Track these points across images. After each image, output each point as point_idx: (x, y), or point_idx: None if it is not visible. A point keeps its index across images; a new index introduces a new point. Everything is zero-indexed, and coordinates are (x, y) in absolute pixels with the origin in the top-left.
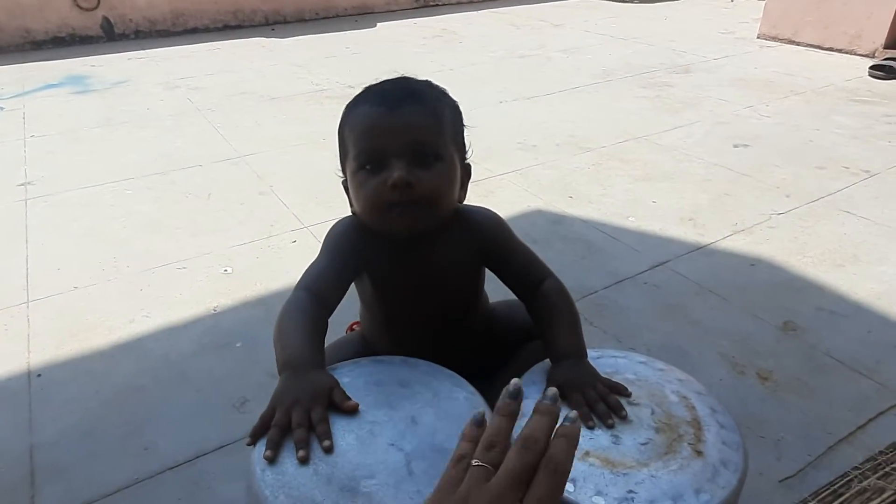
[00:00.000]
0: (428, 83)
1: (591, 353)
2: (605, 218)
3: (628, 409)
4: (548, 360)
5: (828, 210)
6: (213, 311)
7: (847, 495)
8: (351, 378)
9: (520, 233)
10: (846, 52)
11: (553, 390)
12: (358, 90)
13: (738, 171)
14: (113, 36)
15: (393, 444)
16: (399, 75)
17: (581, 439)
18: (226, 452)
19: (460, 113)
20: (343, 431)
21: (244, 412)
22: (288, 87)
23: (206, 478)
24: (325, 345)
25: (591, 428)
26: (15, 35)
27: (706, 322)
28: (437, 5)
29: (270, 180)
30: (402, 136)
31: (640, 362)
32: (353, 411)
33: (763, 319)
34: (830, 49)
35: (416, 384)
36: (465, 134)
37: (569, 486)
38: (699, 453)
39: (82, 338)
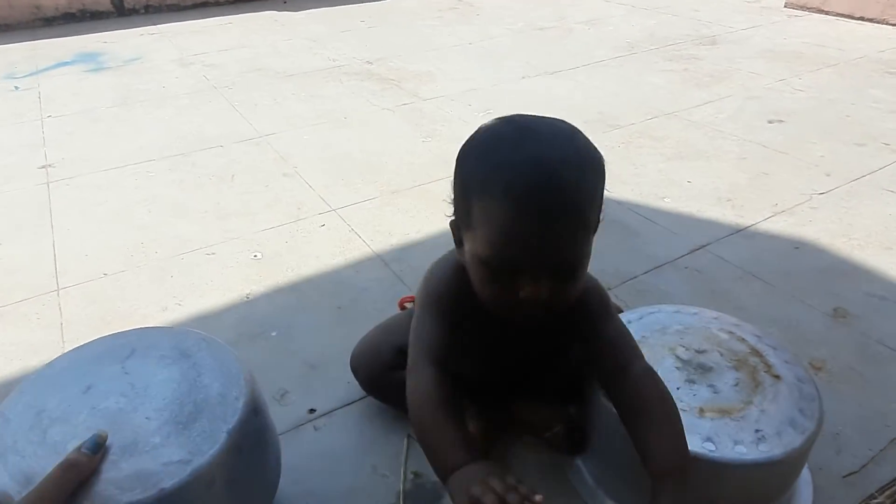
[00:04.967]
0: (579, 159)
1: (637, 311)
2: (640, 199)
3: (702, 358)
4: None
5: (870, 189)
6: (245, 299)
7: None
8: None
9: None
10: (878, 22)
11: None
12: (376, 66)
13: (775, 149)
14: (123, 11)
15: None
16: (540, 135)
17: (689, 397)
18: None
19: (604, 178)
20: None
21: (285, 405)
22: (304, 63)
23: None
24: (376, 325)
25: None
26: (25, 12)
27: (752, 308)
28: None
29: (294, 161)
30: (544, 258)
31: (693, 314)
32: None
33: (811, 306)
34: (861, 18)
35: None
36: (603, 196)
37: (709, 446)
38: (777, 377)
39: (116, 326)
